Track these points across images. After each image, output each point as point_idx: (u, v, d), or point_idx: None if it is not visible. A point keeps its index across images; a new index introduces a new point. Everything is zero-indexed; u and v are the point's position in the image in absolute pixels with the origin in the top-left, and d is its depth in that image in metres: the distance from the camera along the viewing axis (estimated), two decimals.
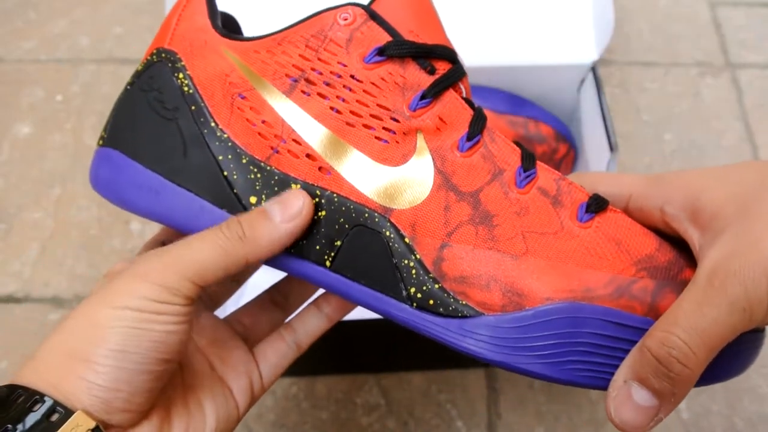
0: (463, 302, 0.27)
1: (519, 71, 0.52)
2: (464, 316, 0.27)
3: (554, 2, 0.51)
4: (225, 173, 0.28)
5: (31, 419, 0.22)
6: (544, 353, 0.26)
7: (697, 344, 0.23)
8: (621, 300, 0.26)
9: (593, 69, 0.50)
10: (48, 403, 0.23)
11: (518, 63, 0.51)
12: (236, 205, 0.28)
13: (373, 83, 0.29)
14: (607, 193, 0.29)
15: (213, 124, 0.29)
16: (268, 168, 0.28)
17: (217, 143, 0.29)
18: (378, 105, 0.28)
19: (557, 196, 0.28)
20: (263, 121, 0.29)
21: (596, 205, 0.28)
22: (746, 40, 0.72)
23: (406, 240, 0.28)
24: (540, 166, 0.29)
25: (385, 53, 0.29)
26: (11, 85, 0.66)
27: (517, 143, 0.30)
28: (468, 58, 0.50)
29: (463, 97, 0.30)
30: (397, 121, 0.28)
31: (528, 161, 0.29)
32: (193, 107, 0.29)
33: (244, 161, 0.28)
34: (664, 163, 0.61)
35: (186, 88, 0.30)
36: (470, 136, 0.29)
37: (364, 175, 0.28)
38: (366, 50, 0.29)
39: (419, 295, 0.27)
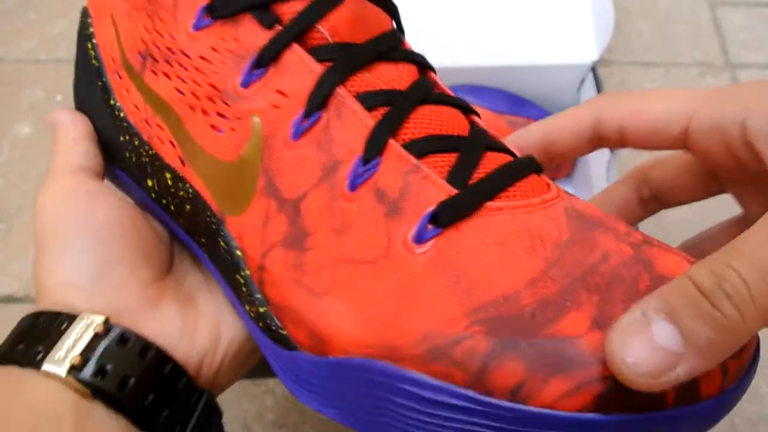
0: (284, 332, 0.22)
1: (519, 71, 0.52)
2: (284, 346, 0.22)
3: (554, 2, 0.51)
4: (127, 155, 0.26)
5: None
6: (349, 407, 0.21)
7: (760, 289, 0.16)
8: (437, 364, 0.19)
9: (593, 69, 0.50)
10: (60, 318, 0.23)
11: (518, 63, 0.51)
12: (146, 188, 0.26)
13: (202, 57, 0.23)
14: (660, 113, 0.23)
15: (112, 102, 0.26)
16: (152, 152, 0.25)
17: (119, 123, 0.26)
18: (209, 85, 0.23)
19: (398, 201, 0.21)
20: (134, 104, 0.25)
21: (451, 212, 0.20)
22: (746, 40, 0.72)
23: (238, 252, 0.23)
24: (393, 152, 0.21)
25: (213, 13, 0.22)
26: (11, 85, 0.66)
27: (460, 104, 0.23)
28: (468, 58, 0.50)
29: (329, 44, 0.22)
30: (227, 104, 0.22)
31: (374, 146, 0.21)
32: (100, 83, 0.26)
33: (136, 143, 0.25)
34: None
35: (94, 62, 0.26)
36: (307, 114, 0.21)
37: (206, 171, 0.23)
38: (193, 14, 0.23)
39: (253, 314, 0.23)
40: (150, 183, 0.26)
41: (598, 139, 0.26)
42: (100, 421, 0.21)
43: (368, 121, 0.21)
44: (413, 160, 0.21)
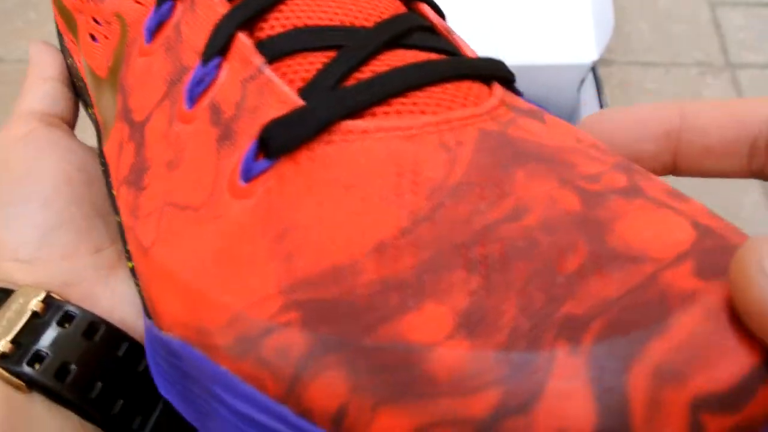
0: (141, 295, 0.18)
1: (519, 71, 0.52)
2: (145, 313, 0.18)
3: (554, 2, 0.52)
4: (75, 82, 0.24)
5: None
6: (185, 399, 0.16)
7: None
8: (245, 362, 0.14)
9: (593, 69, 0.50)
10: None
11: (518, 63, 0.51)
12: None
13: None
14: (721, 126, 0.17)
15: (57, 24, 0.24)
16: (76, 74, 0.23)
17: (63, 47, 0.24)
18: None
19: (231, 122, 0.15)
20: (59, 22, 0.23)
21: (283, 136, 0.14)
22: (746, 40, 0.72)
23: (113, 192, 0.19)
24: (238, 51, 0.16)
25: None
26: (11, 85, 0.66)
27: None
28: None
29: None
30: (97, 3, 0.19)
31: (216, 41, 0.16)
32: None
33: (70, 66, 0.24)
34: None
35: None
36: (159, 2, 0.17)
37: (94, 92, 0.21)
38: None
39: (130, 265, 0.19)
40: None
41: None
42: (38, 419, 0.18)
43: (222, 9, 0.16)
44: (257, 61, 0.15)
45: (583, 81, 0.52)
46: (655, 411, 0.11)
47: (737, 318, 0.12)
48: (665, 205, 0.14)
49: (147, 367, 0.20)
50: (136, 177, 0.17)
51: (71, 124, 0.24)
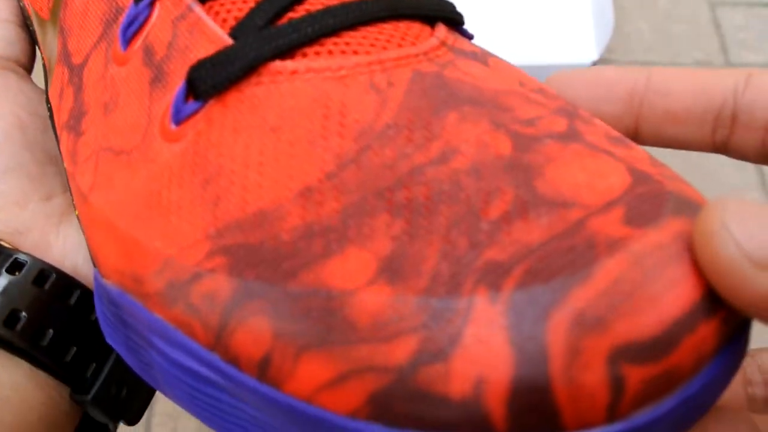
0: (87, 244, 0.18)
1: None
2: (93, 261, 0.17)
3: (554, 2, 0.52)
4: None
5: None
6: (127, 348, 0.16)
7: None
8: (176, 309, 0.14)
9: None
10: None
11: (518, 63, 0.51)
12: None
13: None
14: (686, 91, 0.17)
15: None
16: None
17: None
18: None
19: (164, 63, 0.15)
20: None
21: (211, 76, 0.14)
22: (746, 40, 0.72)
23: (57, 136, 0.19)
24: None
25: None
26: None
27: None
28: None
29: None
30: None
31: None
32: None
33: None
34: (662, 162, 0.61)
35: None
36: None
37: (39, 36, 0.21)
38: None
39: (76, 213, 0.19)
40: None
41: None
42: None
43: None
44: (188, 0, 0.15)
45: None
46: (574, 359, 0.11)
47: (664, 266, 0.12)
48: (604, 151, 0.14)
49: None
50: (75, 122, 0.17)
51: (27, 67, 0.23)
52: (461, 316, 0.11)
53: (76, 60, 0.17)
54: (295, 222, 0.13)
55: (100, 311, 0.17)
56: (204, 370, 0.14)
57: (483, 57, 0.16)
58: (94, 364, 0.19)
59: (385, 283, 0.12)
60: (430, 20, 0.16)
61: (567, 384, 0.11)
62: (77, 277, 0.19)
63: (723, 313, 0.12)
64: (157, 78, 0.15)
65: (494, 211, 0.12)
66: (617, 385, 0.11)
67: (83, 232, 0.18)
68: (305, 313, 0.12)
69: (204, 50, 0.15)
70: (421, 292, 0.12)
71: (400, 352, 0.11)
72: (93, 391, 0.19)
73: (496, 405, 0.11)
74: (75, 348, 0.19)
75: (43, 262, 0.19)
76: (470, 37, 0.17)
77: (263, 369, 0.13)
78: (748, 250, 0.11)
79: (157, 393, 0.45)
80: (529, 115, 0.14)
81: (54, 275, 0.19)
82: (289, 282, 0.12)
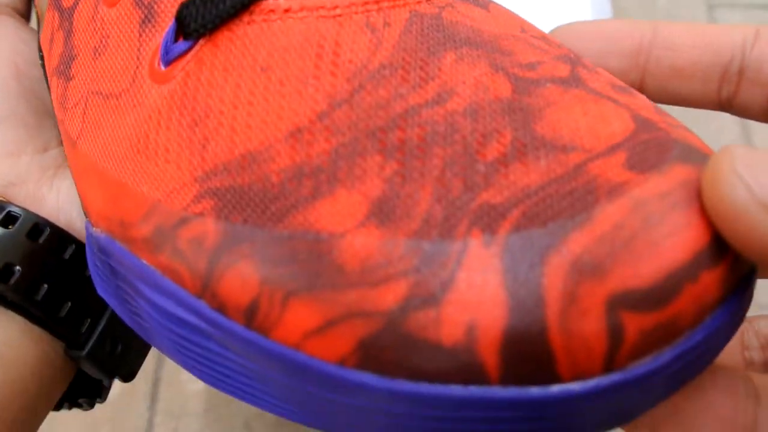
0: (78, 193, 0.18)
1: None
2: (84, 211, 0.17)
3: (553, 3, 0.52)
4: None
5: None
6: (115, 298, 0.16)
7: None
8: (162, 254, 0.13)
9: None
10: None
11: None
12: None
13: None
14: (693, 47, 0.16)
15: None
16: None
17: None
18: None
19: (153, 3, 0.15)
20: None
21: (201, 14, 0.14)
22: None
23: (49, 85, 0.19)
24: None
25: None
26: None
27: None
28: None
29: None
30: None
31: None
32: None
33: None
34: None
35: None
36: None
37: None
38: None
39: None
40: None
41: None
42: None
43: None
44: None
45: None
46: (570, 306, 0.10)
47: (667, 213, 0.11)
48: (606, 97, 0.13)
49: None
50: (65, 67, 0.17)
51: (23, 14, 0.22)
52: (454, 259, 0.11)
53: (66, 3, 0.17)
54: (284, 163, 0.12)
55: (92, 263, 0.16)
56: (191, 318, 0.13)
57: (484, 2, 0.15)
58: (89, 320, 0.19)
59: (376, 225, 0.11)
60: None
61: (563, 332, 0.10)
62: (71, 232, 0.19)
63: (727, 262, 0.11)
64: (147, 18, 0.15)
65: (491, 152, 0.12)
66: (615, 334, 0.11)
67: (73, 179, 0.17)
68: (293, 256, 0.12)
69: None
70: (412, 234, 0.11)
71: (390, 296, 0.11)
72: (88, 346, 0.19)
73: (489, 353, 0.11)
74: (69, 303, 0.19)
75: (38, 216, 0.19)
76: None
77: (250, 316, 0.12)
78: (759, 195, 0.11)
79: (158, 394, 0.45)
80: (530, 59, 0.13)
81: (48, 229, 0.19)
82: (277, 225, 0.12)
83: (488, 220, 0.11)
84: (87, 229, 0.16)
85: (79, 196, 0.17)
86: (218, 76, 0.14)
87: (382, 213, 0.12)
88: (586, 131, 0.12)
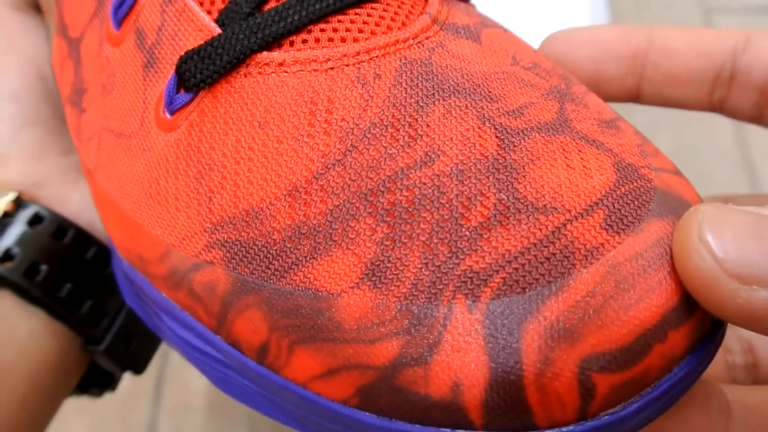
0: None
1: None
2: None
3: (550, 7, 0.52)
4: None
5: None
6: (137, 305, 0.17)
7: None
8: (180, 292, 0.15)
9: None
10: None
11: None
12: None
13: None
14: (688, 53, 0.17)
15: None
16: None
17: None
18: None
19: (155, 48, 0.15)
20: None
21: (198, 69, 0.14)
22: None
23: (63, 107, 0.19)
24: None
25: None
26: None
27: None
28: None
29: None
30: None
31: None
32: None
33: None
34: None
35: None
36: None
37: (43, 5, 0.21)
38: None
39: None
40: None
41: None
42: (9, 313, 0.18)
43: None
44: None
45: None
46: (545, 368, 0.11)
47: (638, 276, 0.12)
48: (591, 142, 0.14)
49: (113, 272, 0.19)
50: (77, 97, 0.17)
51: (36, 7, 0.22)
52: (440, 323, 0.12)
53: (73, 34, 0.17)
54: (284, 222, 0.13)
55: (119, 274, 0.18)
56: (210, 350, 0.14)
57: (476, 32, 0.15)
58: (107, 318, 0.20)
59: (369, 288, 0.12)
60: None
61: (539, 390, 0.12)
62: (93, 233, 0.20)
63: (696, 317, 0.12)
64: (150, 63, 0.15)
65: (475, 216, 0.12)
66: (586, 391, 0.12)
67: (94, 203, 0.18)
68: (296, 310, 0.13)
69: (192, 38, 0.15)
70: (402, 297, 0.12)
71: (383, 354, 0.12)
72: (105, 342, 0.20)
73: (472, 406, 0.12)
74: (90, 301, 0.20)
75: (62, 217, 0.19)
76: None
77: (262, 355, 0.13)
78: (726, 265, 0.11)
79: (162, 391, 0.46)
80: (519, 102, 0.14)
81: (72, 230, 0.19)
82: (280, 280, 0.13)
83: (471, 286, 0.12)
84: (111, 246, 0.17)
85: (101, 221, 0.18)
86: (219, 129, 0.14)
87: (375, 276, 0.12)
88: (567, 188, 0.13)
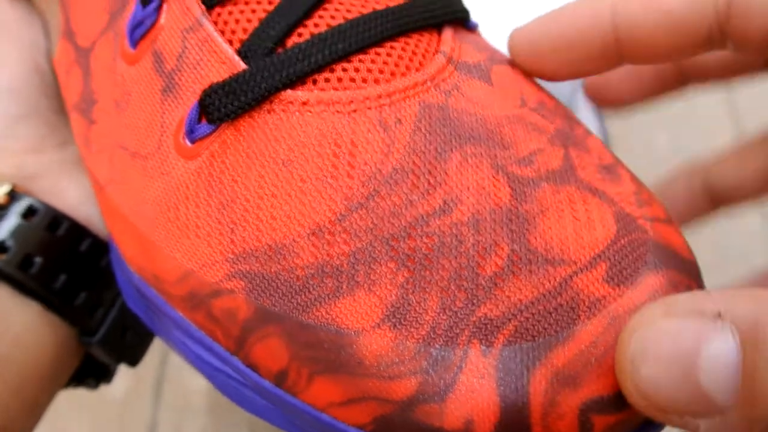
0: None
1: None
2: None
3: (552, 5, 0.52)
4: None
5: None
6: (144, 313, 0.17)
7: None
8: (198, 314, 0.15)
9: None
10: None
11: None
12: None
13: None
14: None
15: None
16: None
17: None
18: None
19: (175, 74, 0.15)
20: None
21: (222, 103, 0.14)
22: None
23: (68, 112, 0.19)
24: None
25: None
26: None
27: None
28: None
29: None
30: None
31: None
32: None
33: None
34: (656, 163, 0.62)
35: None
36: None
37: (43, 6, 0.21)
38: None
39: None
40: None
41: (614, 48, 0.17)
42: (3, 305, 0.18)
43: None
44: (197, 10, 0.15)
45: (577, 87, 0.53)
46: (550, 410, 0.13)
47: None
48: (594, 191, 0.15)
49: (109, 263, 0.20)
50: (87, 107, 0.17)
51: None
52: (456, 365, 0.13)
53: (82, 43, 0.17)
54: (307, 260, 0.14)
55: (121, 279, 0.18)
56: (226, 368, 0.15)
57: (486, 70, 0.16)
58: (102, 309, 0.20)
59: (390, 328, 0.13)
60: (438, 25, 0.16)
61: (544, 429, 0.13)
62: (89, 226, 0.20)
63: None
64: (168, 88, 0.15)
65: (490, 266, 0.13)
66: (586, 430, 0.13)
67: (102, 214, 0.19)
68: (318, 343, 0.14)
69: (215, 70, 0.15)
70: (421, 339, 0.13)
71: (401, 390, 0.13)
72: (99, 333, 0.20)
73: None
74: (85, 293, 0.20)
75: (56, 210, 0.19)
76: (475, 26, 0.18)
77: (280, 380, 0.14)
78: (650, 397, 0.12)
79: (162, 391, 0.46)
80: (529, 149, 0.15)
81: (66, 222, 0.19)
82: (302, 314, 0.14)
83: (486, 333, 0.13)
84: (116, 253, 0.18)
85: (108, 231, 0.18)
86: (242, 163, 0.14)
87: (395, 318, 0.13)
88: (573, 240, 0.14)
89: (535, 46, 0.18)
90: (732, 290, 0.12)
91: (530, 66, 0.18)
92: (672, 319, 0.12)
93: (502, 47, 0.18)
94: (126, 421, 0.44)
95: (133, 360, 0.22)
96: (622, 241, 0.14)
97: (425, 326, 0.13)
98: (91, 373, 0.22)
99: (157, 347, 0.47)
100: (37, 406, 0.19)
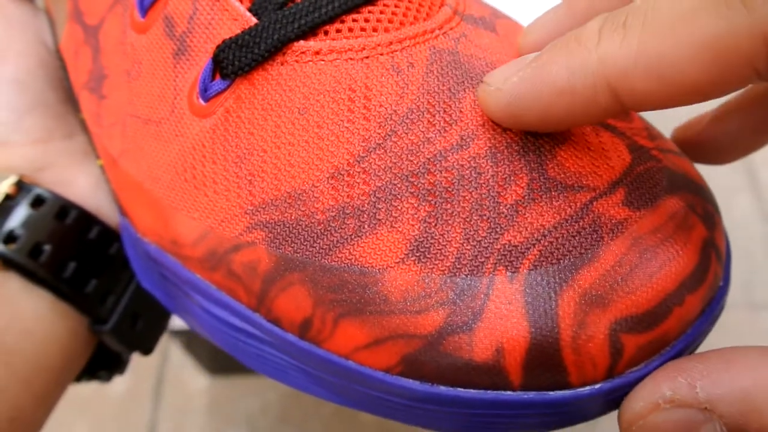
0: (115, 196, 0.20)
1: None
2: (120, 212, 0.19)
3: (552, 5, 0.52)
4: None
5: None
6: (164, 293, 0.18)
7: None
8: (217, 273, 0.15)
9: None
10: None
11: None
12: None
13: None
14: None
15: None
16: None
17: None
18: None
19: (186, 37, 0.15)
20: None
21: (236, 56, 0.15)
22: None
23: (74, 92, 0.20)
24: None
25: None
26: None
27: None
28: None
29: None
30: None
31: None
32: None
33: None
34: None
35: None
36: None
37: None
38: None
39: (99, 162, 0.20)
40: None
41: None
42: (14, 295, 0.18)
43: None
44: None
45: None
46: (580, 331, 0.13)
47: (658, 247, 0.13)
48: (605, 126, 0.15)
49: (119, 250, 0.20)
50: (96, 84, 0.18)
51: None
52: (483, 293, 0.13)
53: (90, 21, 0.17)
54: (327, 203, 0.14)
55: (134, 259, 0.18)
56: (247, 327, 0.15)
57: (491, 22, 0.17)
58: (113, 296, 0.20)
59: (414, 262, 0.13)
60: None
61: (574, 352, 0.13)
62: (98, 214, 0.20)
63: (707, 283, 0.14)
64: (180, 51, 0.16)
65: (511, 195, 0.13)
66: (616, 351, 0.13)
67: (113, 191, 0.19)
68: (342, 285, 0.14)
69: (227, 28, 0.15)
70: (446, 271, 0.13)
71: (429, 323, 0.13)
72: (111, 322, 0.20)
73: (513, 368, 0.13)
74: (95, 280, 0.20)
75: (64, 199, 0.20)
76: None
77: (304, 330, 0.14)
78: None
79: (162, 391, 0.46)
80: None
81: (75, 211, 0.20)
82: (325, 257, 0.14)
83: (511, 259, 0.13)
84: (128, 230, 0.18)
85: (120, 206, 0.18)
86: (258, 116, 0.15)
87: (419, 251, 0.13)
88: (589, 169, 0.14)
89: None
90: (713, 373, 0.12)
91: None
92: (662, 413, 0.13)
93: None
94: (126, 421, 0.44)
95: (146, 348, 0.22)
96: (638, 169, 0.14)
97: (450, 257, 0.13)
98: (103, 365, 0.22)
99: (157, 347, 0.47)
100: (48, 398, 0.19)
